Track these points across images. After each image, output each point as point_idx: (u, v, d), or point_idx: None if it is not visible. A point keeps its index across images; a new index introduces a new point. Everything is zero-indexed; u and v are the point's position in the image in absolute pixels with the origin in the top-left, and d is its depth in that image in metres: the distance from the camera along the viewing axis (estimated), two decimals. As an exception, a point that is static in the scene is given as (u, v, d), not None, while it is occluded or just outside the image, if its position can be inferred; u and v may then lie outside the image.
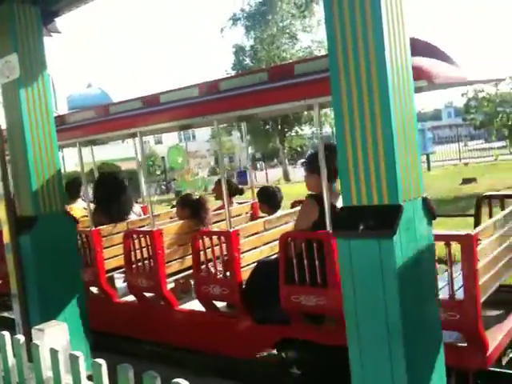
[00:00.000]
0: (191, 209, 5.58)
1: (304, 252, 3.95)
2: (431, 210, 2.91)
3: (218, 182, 6.01)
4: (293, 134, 33.62)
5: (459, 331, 3.51)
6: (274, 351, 4.56)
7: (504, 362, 4.04)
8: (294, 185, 26.17)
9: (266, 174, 33.94)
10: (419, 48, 3.35)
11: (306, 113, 31.61)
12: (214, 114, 4.58)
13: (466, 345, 3.48)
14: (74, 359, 2.43)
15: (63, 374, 2.54)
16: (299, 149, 40.44)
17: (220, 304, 4.87)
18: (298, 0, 31.19)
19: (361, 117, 2.64)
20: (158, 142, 41.85)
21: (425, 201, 2.87)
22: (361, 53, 2.60)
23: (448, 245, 3.44)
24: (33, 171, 4.45)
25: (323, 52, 30.55)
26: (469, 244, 3.35)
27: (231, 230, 4.53)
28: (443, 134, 41.00)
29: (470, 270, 3.33)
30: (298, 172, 36.06)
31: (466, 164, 23.22)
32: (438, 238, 3.27)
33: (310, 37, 31.95)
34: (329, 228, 3.86)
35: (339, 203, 3.92)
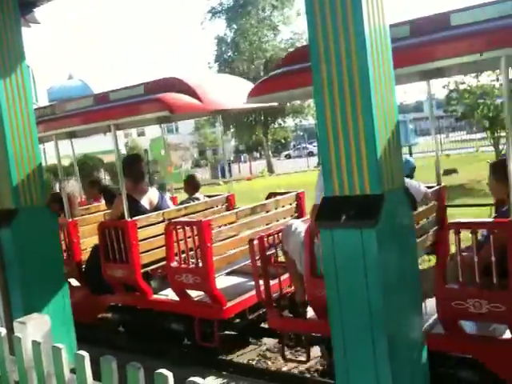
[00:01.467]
0: (60, 204, 6.05)
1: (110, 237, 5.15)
2: (412, 201, 2.94)
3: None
4: (276, 126, 33.65)
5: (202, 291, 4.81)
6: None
7: (252, 316, 5.15)
8: (279, 177, 26.24)
9: (250, 166, 33.95)
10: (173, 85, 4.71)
11: (288, 104, 31.68)
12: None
13: (209, 301, 4.72)
14: (56, 351, 2.42)
15: (46, 367, 2.52)
16: (283, 141, 40.47)
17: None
18: None
19: (342, 108, 2.65)
20: (141, 134, 41.55)
21: (406, 191, 2.90)
22: (342, 44, 2.61)
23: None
24: (13, 164, 4.39)
25: (300, 44, 30.62)
26: None
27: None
28: (425, 126, 41.31)
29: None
30: (282, 164, 36.18)
31: (447, 155, 23.41)
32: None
33: (291, 28, 31.95)
34: (127, 217, 4.99)
35: (144, 200, 5.52)
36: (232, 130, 35.00)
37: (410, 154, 23.27)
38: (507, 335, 3.28)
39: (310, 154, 38.95)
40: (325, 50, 2.67)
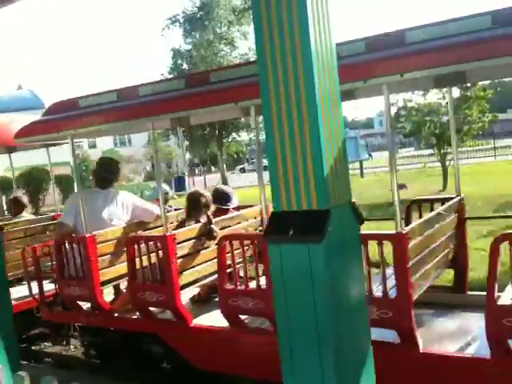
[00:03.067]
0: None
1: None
2: (359, 215, 2.99)
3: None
4: (230, 140, 33.73)
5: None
6: None
7: None
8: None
9: (205, 179, 33.85)
10: None
11: (243, 119, 31.83)
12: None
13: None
14: (-7, 373, 2.32)
15: (-18, 389, 2.42)
16: (236, 155, 40.57)
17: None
18: (236, 6, 31.38)
19: (289, 123, 2.68)
20: (92, 146, 40.79)
21: (352, 205, 2.94)
22: (288, 61, 2.64)
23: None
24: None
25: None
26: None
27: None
28: (375, 142, 42.29)
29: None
30: (236, 178, 36.22)
31: (396, 171, 24.06)
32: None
33: (248, 44, 32.23)
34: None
35: None
36: (186, 144, 34.86)
37: (361, 169, 23.78)
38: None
39: (265, 168, 39.09)
40: (272, 69, 2.69)
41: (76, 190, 5.32)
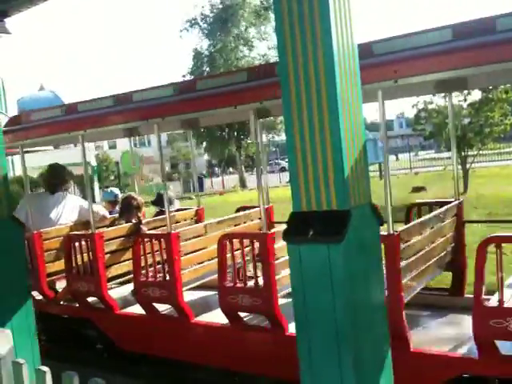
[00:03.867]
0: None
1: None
2: (378, 216, 2.98)
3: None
4: (249, 141, 33.77)
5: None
6: None
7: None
8: (251, 192, 26.25)
9: (223, 180, 33.97)
10: None
11: (262, 120, 31.81)
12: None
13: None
14: (17, 367, 2.36)
15: (7, 383, 2.46)
16: (254, 156, 40.68)
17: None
18: (255, 7, 31.43)
19: (310, 124, 2.69)
20: (112, 146, 41.18)
21: (372, 207, 2.94)
22: (310, 61, 2.65)
23: None
24: (-23, 175, 4.30)
25: (275, 60, 30.92)
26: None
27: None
28: (395, 144, 42.00)
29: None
30: (254, 179, 36.28)
31: (416, 173, 23.85)
32: None
33: (267, 44, 32.24)
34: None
35: None
36: (205, 145, 35.01)
37: (380, 171, 23.62)
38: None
39: (283, 169, 39.16)
40: (294, 69, 2.70)
41: (28, 194, 5.92)
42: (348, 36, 2.73)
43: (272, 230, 4.34)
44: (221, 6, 31.31)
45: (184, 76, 32.67)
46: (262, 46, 32.51)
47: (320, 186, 2.69)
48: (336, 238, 2.60)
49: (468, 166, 16.46)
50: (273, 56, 31.63)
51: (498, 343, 3.25)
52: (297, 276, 2.78)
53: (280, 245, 4.03)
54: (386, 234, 3.55)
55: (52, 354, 5.26)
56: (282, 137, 34.92)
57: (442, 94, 16.36)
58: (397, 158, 33.43)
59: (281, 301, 4.13)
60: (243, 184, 31.46)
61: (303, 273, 2.75)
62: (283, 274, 4.15)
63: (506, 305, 3.17)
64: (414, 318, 4.04)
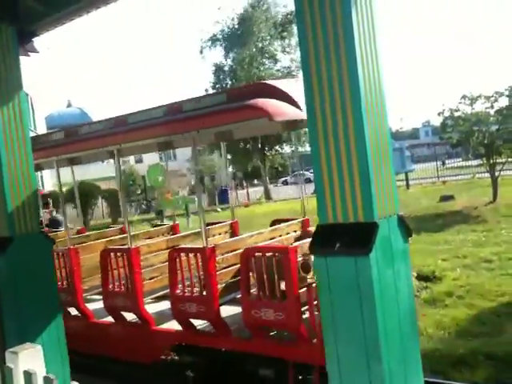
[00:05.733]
0: None
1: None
2: (407, 227, 2.94)
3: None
4: (273, 152, 33.78)
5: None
6: None
7: None
8: (276, 203, 26.21)
9: (248, 192, 34.00)
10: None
11: (288, 132, 31.82)
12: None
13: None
14: (48, 382, 2.38)
15: (37, 398, 2.48)
16: (280, 168, 40.56)
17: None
18: (278, 20, 31.57)
19: (335, 135, 2.68)
20: (139, 160, 41.65)
21: (400, 218, 2.90)
22: (334, 73, 2.65)
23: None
24: (8, 192, 4.39)
25: (297, 72, 31.02)
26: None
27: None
28: (421, 153, 41.49)
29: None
30: (279, 190, 36.20)
31: (443, 182, 23.50)
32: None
33: (289, 57, 32.28)
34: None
35: None
36: (229, 157, 35.14)
37: (407, 180, 23.37)
38: None
39: (307, 180, 39.03)
40: (317, 79, 2.70)
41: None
42: (372, 44, 2.72)
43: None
44: (240, 22, 31.53)
45: (206, 90, 32.94)
46: (285, 58, 32.53)
47: (346, 198, 2.67)
48: (364, 251, 2.57)
49: (497, 173, 16.13)
50: (296, 67, 31.67)
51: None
52: (324, 288, 2.76)
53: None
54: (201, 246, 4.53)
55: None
56: (306, 148, 34.88)
57: (468, 101, 16.21)
58: (443, 164, 32.69)
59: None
60: (268, 196, 31.42)
61: (331, 285, 2.73)
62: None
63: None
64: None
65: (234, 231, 6.25)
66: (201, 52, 33.22)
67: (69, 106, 42.83)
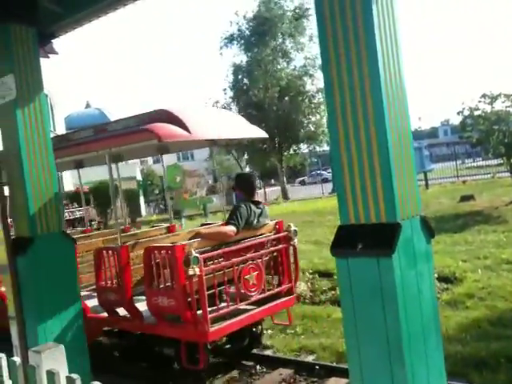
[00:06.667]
0: None
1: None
2: (430, 228, 2.90)
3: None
4: (291, 152, 33.69)
5: None
6: None
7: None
8: (293, 203, 26.15)
9: (265, 192, 33.97)
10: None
11: (303, 131, 31.77)
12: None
13: None
14: (70, 382, 2.39)
15: (59, 398, 2.49)
16: (297, 167, 40.46)
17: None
18: (290, 17, 31.45)
19: (356, 136, 2.65)
20: (156, 161, 41.89)
21: (423, 219, 2.86)
22: (355, 71, 2.62)
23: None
24: (30, 192, 4.44)
25: (314, 71, 30.92)
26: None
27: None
28: (440, 152, 41.09)
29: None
30: (296, 190, 36.16)
31: (463, 182, 23.23)
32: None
33: (304, 54, 32.13)
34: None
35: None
36: (246, 157, 35.17)
37: (426, 180, 23.15)
38: None
39: (325, 180, 38.89)
40: (338, 78, 2.68)
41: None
42: (393, 44, 2.69)
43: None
44: (255, 21, 31.52)
45: (225, 90, 33.01)
46: (299, 57, 32.38)
47: (368, 198, 2.64)
48: (386, 252, 2.54)
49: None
50: (311, 66, 31.55)
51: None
52: (346, 290, 2.73)
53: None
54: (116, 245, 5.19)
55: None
56: (323, 147, 34.70)
57: (488, 100, 16.02)
58: (463, 163, 32.26)
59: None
60: (285, 195, 31.36)
61: (352, 287, 2.70)
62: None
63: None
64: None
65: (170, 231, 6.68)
66: (220, 49, 33.18)
67: (87, 106, 43.24)
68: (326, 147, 34.30)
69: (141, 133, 4.94)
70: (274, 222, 5.59)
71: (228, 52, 32.34)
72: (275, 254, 5.44)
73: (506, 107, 15.99)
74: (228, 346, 5.71)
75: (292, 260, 5.61)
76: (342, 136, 2.71)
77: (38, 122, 4.54)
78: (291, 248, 5.54)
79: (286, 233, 5.45)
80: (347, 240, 2.71)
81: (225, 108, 32.40)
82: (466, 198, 16.15)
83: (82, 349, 4.60)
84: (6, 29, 4.43)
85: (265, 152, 32.48)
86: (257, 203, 5.42)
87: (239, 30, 32.51)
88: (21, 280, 4.42)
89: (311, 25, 31.24)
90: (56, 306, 4.45)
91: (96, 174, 7.96)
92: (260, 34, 31.02)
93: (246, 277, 4.99)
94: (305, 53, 31.93)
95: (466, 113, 16.81)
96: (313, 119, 32.03)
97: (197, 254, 4.52)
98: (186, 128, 4.92)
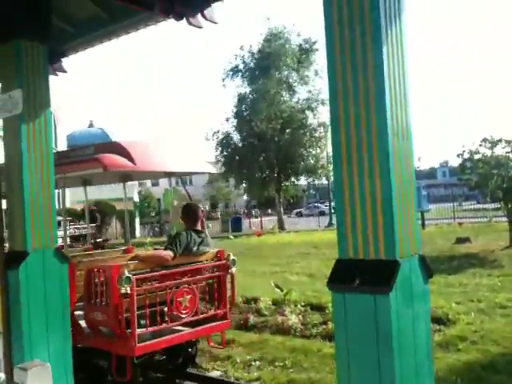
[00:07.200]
0: None
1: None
2: (428, 268, 2.88)
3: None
4: (289, 183, 33.74)
5: None
6: None
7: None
8: (289, 234, 26.07)
9: (261, 221, 33.93)
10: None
11: (302, 163, 31.90)
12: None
13: None
14: (54, 403, 2.34)
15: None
16: (293, 199, 40.47)
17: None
18: (295, 50, 31.87)
19: (359, 170, 2.66)
20: (155, 184, 41.94)
21: (422, 258, 2.85)
22: (361, 103, 2.64)
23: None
24: (27, 207, 4.41)
25: (316, 105, 31.23)
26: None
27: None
28: (438, 193, 41.25)
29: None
30: (293, 221, 36.08)
31: (460, 224, 23.25)
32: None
33: (307, 88, 32.47)
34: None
35: None
36: (244, 185, 35.21)
37: (423, 219, 23.17)
38: None
39: (322, 213, 38.92)
40: (344, 110, 2.70)
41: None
42: (400, 77, 2.72)
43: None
44: (260, 55, 31.89)
45: (228, 119, 33.18)
46: (302, 89, 32.71)
47: (368, 233, 2.63)
48: (384, 289, 2.51)
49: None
50: (314, 100, 31.87)
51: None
52: (340, 325, 2.70)
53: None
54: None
55: None
56: (322, 180, 34.80)
57: (489, 145, 16.19)
58: (460, 205, 32.45)
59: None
60: (281, 226, 31.30)
61: (347, 323, 2.66)
62: None
63: None
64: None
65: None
66: (223, 80, 33.53)
67: (90, 125, 43.48)
68: (324, 180, 34.41)
69: (91, 162, 5.61)
70: (216, 250, 5.88)
71: (231, 83, 32.62)
72: (212, 280, 5.69)
73: (506, 152, 16.14)
74: (163, 362, 6.06)
75: (229, 287, 5.88)
76: (344, 170, 2.72)
77: (41, 138, 4.54)
78: (229, 276, 5.80)
79: (224, 261, 5.72)
80: (345, 274, 2.69)
81: (226, 137, 32.62)
82: (461, 240, 16.15)
83: (67, 367, 4.51)
84: (18, 44, 4.47)
85: (264, 181, 32.56)
86: (199, 232, 5.74)
87: (244, 63, 32.94)
88: (11, 294, 4.36)
89: (318, 59, 31.72)
90: (45, 323, 4.38)
91: (94, 192, 8.00)
92: (265, 68, 31.36)
93: (178, 299, 5.25)
94: (309, 86, 32.31)
95: (466, 155, 16.95)
96: (313, 152, 32.22)
97: (129, 275, 4.80)
98: (131, 159, 5.61)
